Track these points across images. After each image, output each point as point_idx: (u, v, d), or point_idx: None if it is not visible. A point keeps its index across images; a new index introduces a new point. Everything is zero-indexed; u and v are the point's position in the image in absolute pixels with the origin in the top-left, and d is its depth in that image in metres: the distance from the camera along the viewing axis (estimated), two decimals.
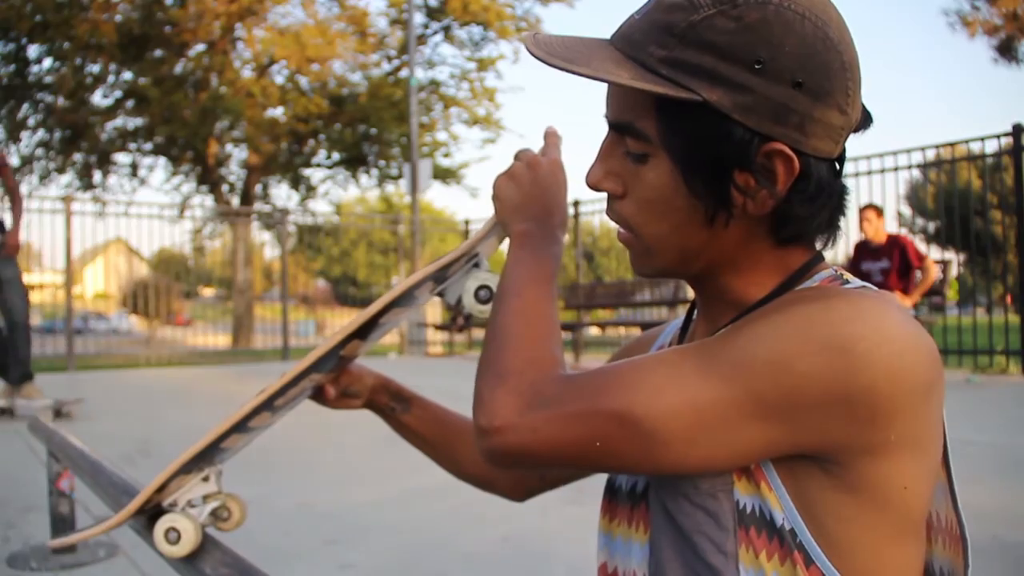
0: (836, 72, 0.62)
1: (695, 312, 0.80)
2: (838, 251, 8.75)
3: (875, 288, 0.65)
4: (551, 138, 0.88)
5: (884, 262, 6.25)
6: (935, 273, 6.28)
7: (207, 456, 0.93)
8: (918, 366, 0.57)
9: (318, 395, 1.01)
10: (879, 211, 6.44)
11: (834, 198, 0.67)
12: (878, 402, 0.55)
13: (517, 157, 0.84)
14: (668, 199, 0.66)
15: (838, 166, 0.67)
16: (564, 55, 0.65)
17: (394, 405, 1.05)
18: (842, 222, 0.70)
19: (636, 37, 0.64)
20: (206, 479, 0.98)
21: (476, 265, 0.92)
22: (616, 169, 0.69)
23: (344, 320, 19.18)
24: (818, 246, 0.71)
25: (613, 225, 0.74)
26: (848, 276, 0.69)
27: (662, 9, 0.63)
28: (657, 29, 0.62)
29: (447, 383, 7.76)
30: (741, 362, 0.57)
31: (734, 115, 0.61)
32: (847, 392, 0.55)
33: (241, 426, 0.91)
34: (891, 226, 7.38)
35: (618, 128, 0.67)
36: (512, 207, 0.80)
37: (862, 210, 6.52)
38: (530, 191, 0.80)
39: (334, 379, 1.00)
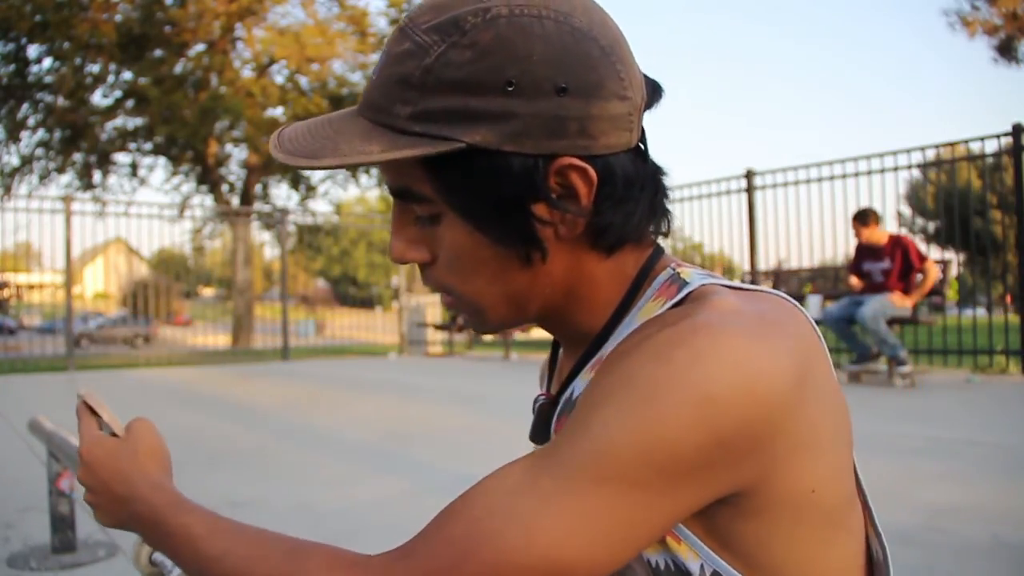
0: (598, 60, 0.57)
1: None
2: (838, 251, 8.74)
3: (703, 275, 0.62)
4: (80, 411, 0.81)
5: (885, 262, 6.24)
6: (936, 274, 6.27)
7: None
8: (778, 377, 0.53)
9: None
10: (865, 220, 6.38)
11: (648, 187, 0.62)
12: (755, 431, 0.52)
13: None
14: (473, 253, 0.61)
15: (643, 146, 0.63)
16: (309, 148, 0.59)
17: None
18: (668, 203, 0.65)
19: (379, 100, 0.59)
20: None
21: None
22: (415, 236, 0.64)
23: (344, 319, 19.13)
24: (659, 240, 0.67)
25: None
26: (684, 271, 0.64)
27: (394, 61, 0.58)
28: (395, 85, 0.57)
29: (447, 383, 7.76)
30: (605, 455, 0.51)
31: (505, 148, 0.56)
32: (722, 438, 0.51)
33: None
34: (891, 226, 7.39)
35: (399, 195, 0.63)
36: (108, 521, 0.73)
37: (853, 220, 6.54)
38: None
39: None
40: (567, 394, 0.67)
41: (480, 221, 0.59)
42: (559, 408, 0.68)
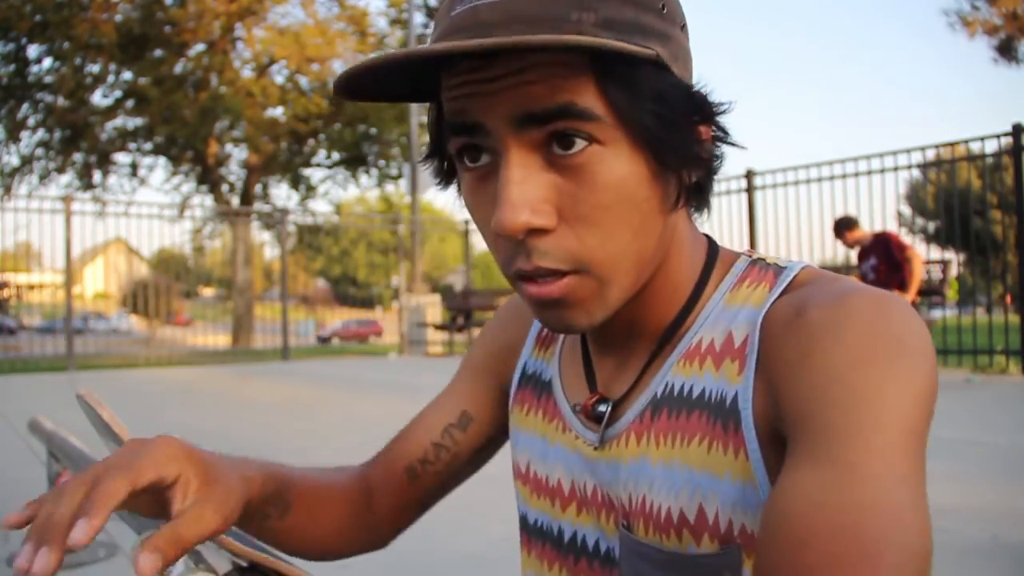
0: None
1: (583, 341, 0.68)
2: (838, 251, 8.77)
3: (804, 266, 0.61)
4: None
5: (873, 259, 6.43)
6: (920, 260, 6.36)
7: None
8: None
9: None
10: (837, 230, 6.65)
11: None
12: None
13: None
14: (632, 193, 0.53)
15: None
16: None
17: (269, 511, 0.68)
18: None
19: (541, 12, 0.50)
20: None
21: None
22: (541, 193, 0.52)
23: (344, 319, 19.05)
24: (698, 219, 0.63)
25: None
26: (768, 257, 0.63)
27: None
28: None
29: (447, 383, 7.75)
30: (907, 413, 0.47)
31: (673, 68, 0.53)
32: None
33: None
34: (891, 226, 7.49)
35: (554, 115, 0.50)
36: None
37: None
38: None
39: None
40: (654, 391, 0.60)
41: (659, 142, 0.52)
42: (643, 407, 0.61)
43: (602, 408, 0.64)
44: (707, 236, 0.65)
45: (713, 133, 0.56)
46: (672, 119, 0.52)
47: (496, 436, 0.79)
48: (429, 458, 0.78)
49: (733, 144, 0.57)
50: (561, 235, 0.52)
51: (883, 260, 6.31)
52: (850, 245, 6.63)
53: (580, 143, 0.51)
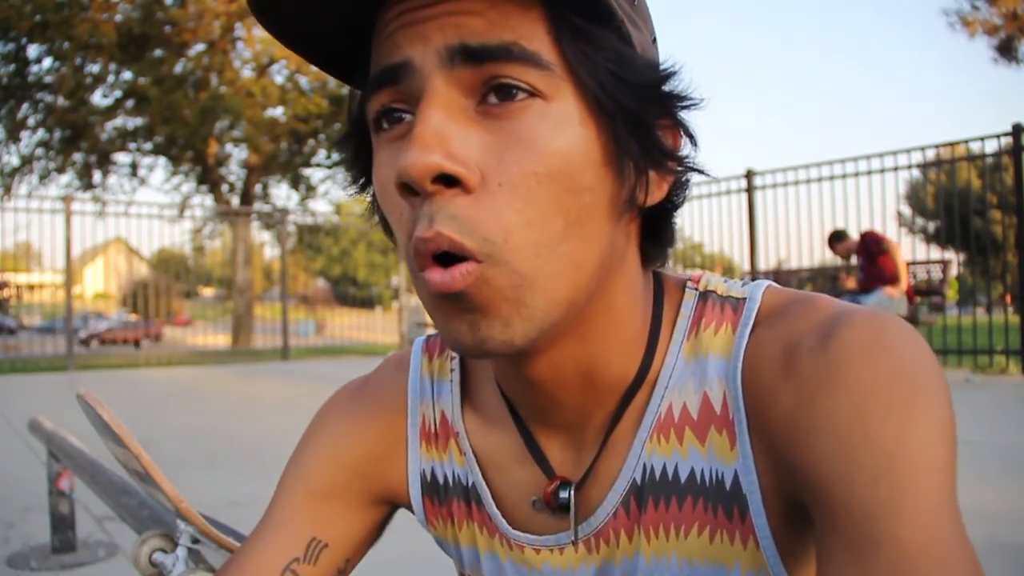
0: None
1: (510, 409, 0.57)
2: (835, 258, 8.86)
3: (731, 280, 0.55)
4: None
5: (860, 260, 6.62)
6: (898, 249, 6.46)
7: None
8: None
9: None
10: (830, 242, 6.91)
11: None
12: None
13: None
14: (573, 170, 0.43)
15: None
16: None
17: None
18: None
19: None
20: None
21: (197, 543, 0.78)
22: (464, 145, 0.42)
23: (344, 319, 19.13)
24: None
25: None
26: (714, 285, 0.54)
27: None
28: None
29: None
30: (945, 461, 0.41)
31: (636, 48, 0.45)
32: None
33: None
34: (891, 226, 7.66)
35: (485, 54, 0.42)
36: None
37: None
38: None
39: None
40: (632, 477, 0.52)
41: (615, 104, 0.44)
42: (622, 496, 0.53)
43: (564, 495, 0.54)
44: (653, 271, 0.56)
45: (679, 150, 0.49)
46: (634, 84, 0.44)
47: (357, 554, 0.65)
48: None
49: (698, 170, 0.49)
50: (477, 200, 0.42)
51: (865, 258, 6.47)
52: (844, 256, 6.92)
53: (520, 95, 0.42)
